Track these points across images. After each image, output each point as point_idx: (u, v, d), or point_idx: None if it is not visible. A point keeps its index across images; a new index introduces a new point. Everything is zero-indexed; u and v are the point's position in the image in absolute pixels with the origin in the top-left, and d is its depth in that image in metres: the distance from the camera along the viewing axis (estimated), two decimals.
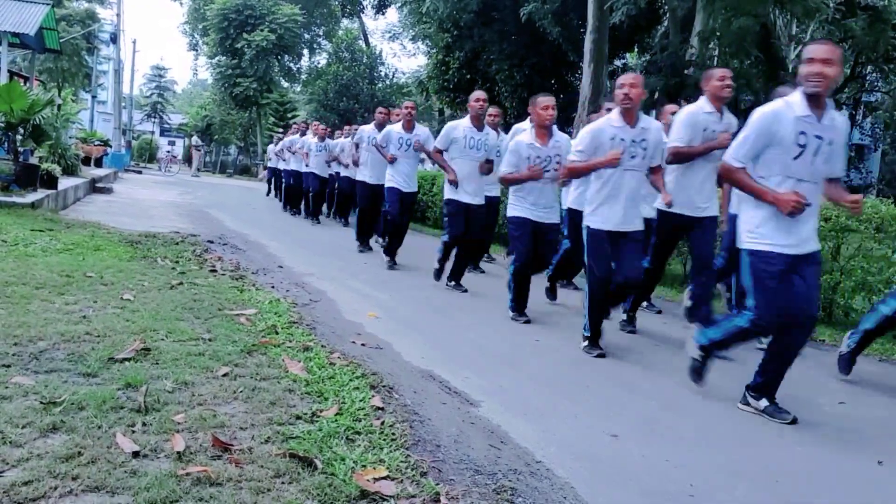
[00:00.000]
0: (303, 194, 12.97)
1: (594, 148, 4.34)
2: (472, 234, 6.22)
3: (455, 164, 6.14)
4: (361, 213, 8.71)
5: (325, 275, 6.46)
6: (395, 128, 7.43)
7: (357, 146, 8.96)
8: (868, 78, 23.71)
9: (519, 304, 5.22)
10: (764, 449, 3.06)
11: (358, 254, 8.41)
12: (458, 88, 21.40)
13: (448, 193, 6.21)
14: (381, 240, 8.68)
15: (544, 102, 5.08)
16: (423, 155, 7.73)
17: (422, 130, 7.45)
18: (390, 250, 7.45)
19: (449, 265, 6.38)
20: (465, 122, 6.16)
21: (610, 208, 4.36)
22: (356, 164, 8.51)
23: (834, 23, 16.92)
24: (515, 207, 5.27)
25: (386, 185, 7.42)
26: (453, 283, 6.32)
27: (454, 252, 6.34)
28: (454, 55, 21.20)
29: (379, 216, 8.68)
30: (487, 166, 6.22)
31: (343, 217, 12.50)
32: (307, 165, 12.11)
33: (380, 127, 8.47)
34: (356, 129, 12.19)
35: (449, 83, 21.50)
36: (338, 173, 11.89)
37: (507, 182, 5.34)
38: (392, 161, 7.31)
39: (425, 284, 6.47)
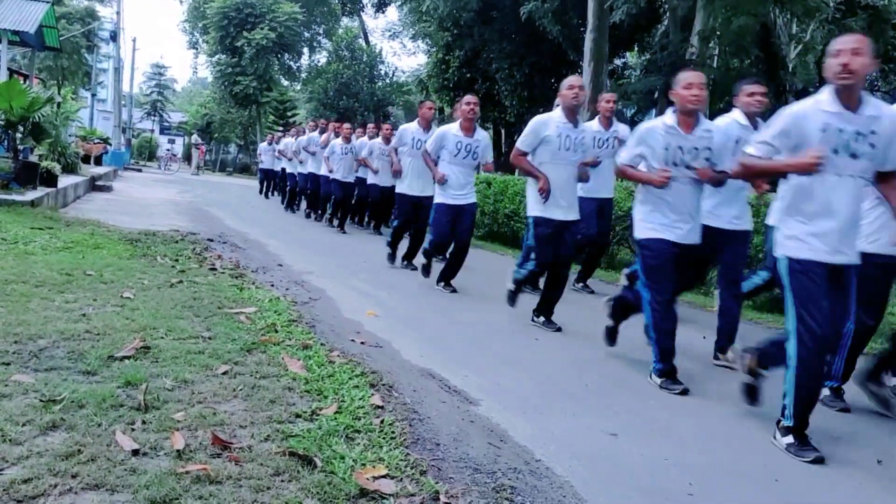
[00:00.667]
0: (321, 199, 11.72)
1: (793, 140, 3.03)
2: (562, 256, 4.91)
3: (545, 170, 4.79)
4: (399, 228, 7.36)
5: (324, 273, 6.47)
6: (452, 129, 6.13)
7: (395, 150, 7.41)
8: (867, 77, 23.70)
9: (668, 364, 3.83)
10: (763, 448, 3.06)
11: (357, 252, 8.41)
12: (457, 87, 21.40)
13: (535, 209, 4.86)
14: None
15: (687, 80, 3.76)
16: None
17: (482, 135, 6.23)
18: (446, 275, 6.18)
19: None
20: (556, 116, 4.85)
21: (821, 229, 3.01)
22: (398, 173, 7.15)
23: (834, 22, 16.91)
24: (648, 227, 3.91)
25: (435, 201, 6.21)
26: (542, 318, 5.01)
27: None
28: (454, 54, 21.22)
29: (424, 233, 7.13)
30: (586, 173, 5.02)
31: (375, 226, 11.15)
32: (331, 171, 10.61)
33: (427, 125, 7.16)
34: (369, 130, 11.12)
35: (449, 82, 21.51)
36: (363, 179, 10.59)
37: (625, 177, 4.23)
38: (442, 181, 6.03)
39: (425, 283, 6.47)
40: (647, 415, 3.35)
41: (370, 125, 11.72)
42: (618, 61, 22.38)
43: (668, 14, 16.75)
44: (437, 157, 6.17)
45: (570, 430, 3.01)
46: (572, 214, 4.90)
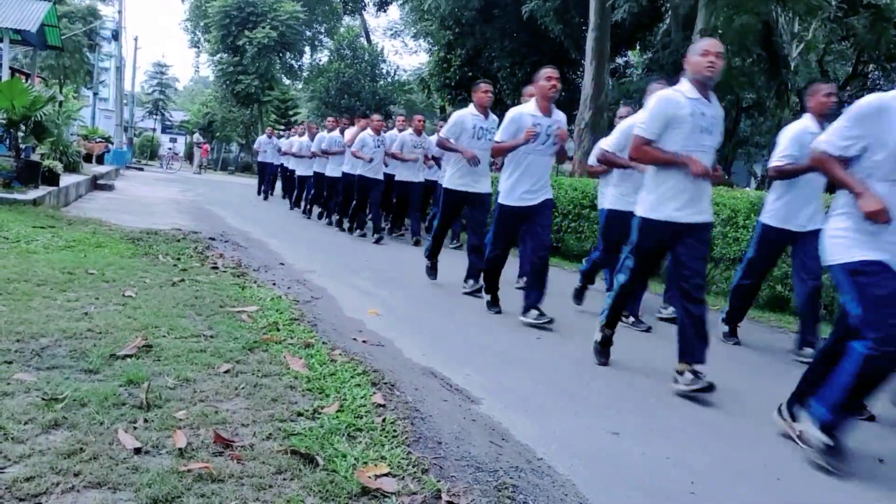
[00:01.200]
0: (346, 202, 10.40)
1: None
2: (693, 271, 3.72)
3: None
4: (440, 229, 6.39)
5: (326, 272, 6.47)
6: (528, 108, 5.06)
7: (449, 140, 6.01)
8: (870, 76, 23.69)
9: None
10: (765, 447, 3.06)
11: (358, 251, 8.41)
12: (459, 86, 21.42)
13: (651, 210, 3.79)
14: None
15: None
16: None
17: (561, 117, 5.15)
18: (490, 296, 5.35)
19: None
20: (686, 90, 3.72)
21: None
22: (474, 159, 5.83)
23: (836, 21, 16.90)
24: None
25: (500, 201, 5.16)
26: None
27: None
28: (456, 53, 21.23)
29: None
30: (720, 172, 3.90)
31: (392, 228, 10.26)
32: (370, 161, 9.47)
33: (484, 110, 6.01)
34: (399, 123, 10.34)
35: (450, 81, 21.53)
36: (391, 175, 9.78)
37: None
38: (498, 153, 5.16)
39: (426, 282, 6.47)
40: (648, 414, 3.35)
41: (399, 117, 10.77)
42: (619, 60, 22.38)
43: (669, 13, 16.74)
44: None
45: (571, 429, 3.01)
46: (704, 216, 3.78)
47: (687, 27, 15.23)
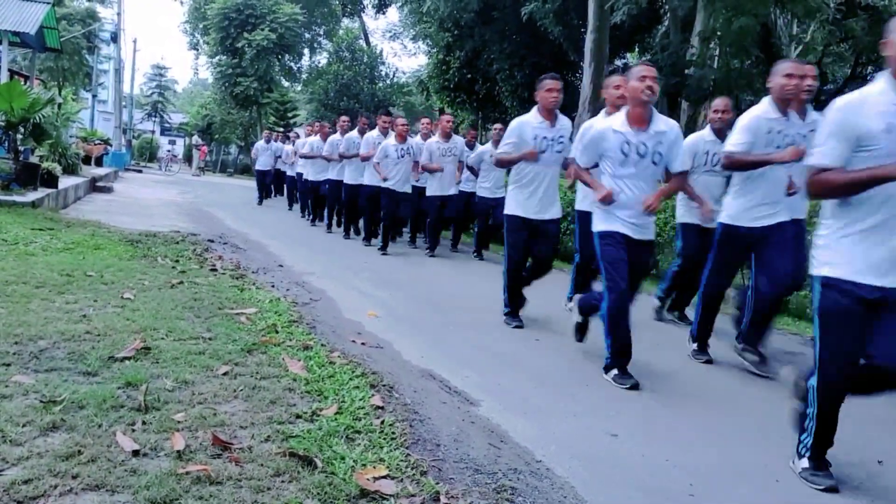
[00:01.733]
0: (362, 213, 9.28)
1: None
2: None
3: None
4: (514, 271, 5.03)
5: (325, 274, 6.47)
6: (614, 122, 3.89)
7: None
8: (868, 78, 23.75)
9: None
10: (764, 448, 3.06)
11: (358, 252, 8.40)
12: (458, 88, 21.41)
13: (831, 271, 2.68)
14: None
15: None
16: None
17: (668, 125, 3.88)
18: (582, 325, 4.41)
19: None
20: (881, 91, 2.55)
21: None
22: (534, 155, 4.82)
23: (834, 23, 16.91)
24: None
25: (596, 228, 3.95)
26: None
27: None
28: (455, 55, 21.22)
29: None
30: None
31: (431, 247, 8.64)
32: (385, 180, 8.26)
33: (550, 116, 4.86)
34: (423, 128, 9.07)
35: (449, 83, 21.51)
36: (421, 189, 8.73)
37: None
38: (608, 200, 3.83)
39: (426, 283, 6.47)
40: (647, 415, 3.35)
41: (424, 121, 9.40)
42: (618, 62, 22.38)
43: (668, 15, 16.74)
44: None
45: (570, 431, 3.01)
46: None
47: (685, 29, 15.24)
